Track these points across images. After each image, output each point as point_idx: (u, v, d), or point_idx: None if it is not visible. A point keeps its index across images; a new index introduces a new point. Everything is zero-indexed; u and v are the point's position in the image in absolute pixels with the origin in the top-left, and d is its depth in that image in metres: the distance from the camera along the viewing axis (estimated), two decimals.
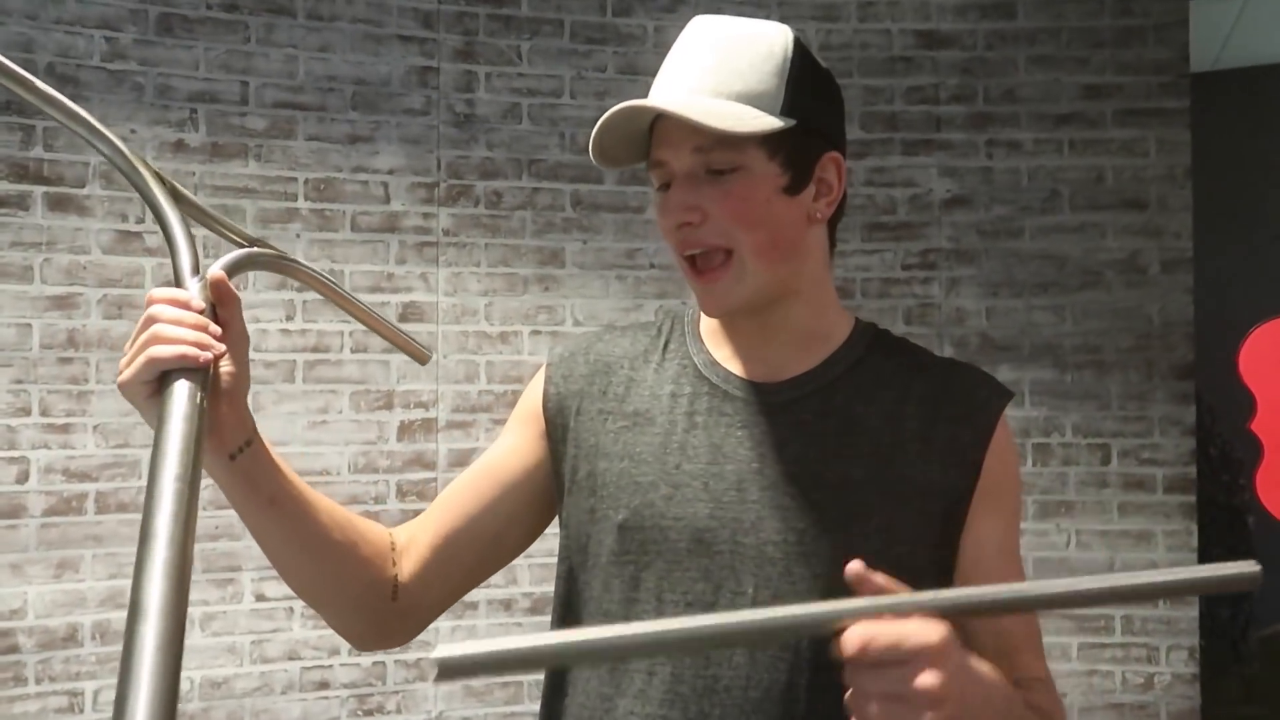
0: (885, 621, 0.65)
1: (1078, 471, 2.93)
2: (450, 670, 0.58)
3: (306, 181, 2.76)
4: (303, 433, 2.71)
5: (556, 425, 0.97)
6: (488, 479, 0.99)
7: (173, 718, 0.49)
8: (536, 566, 2.78)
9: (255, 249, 0.88)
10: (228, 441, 0.83)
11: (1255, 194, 4.01)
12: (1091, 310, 2.95)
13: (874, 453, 0.89)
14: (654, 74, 0.95)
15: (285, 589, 2.67)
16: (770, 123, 0.86)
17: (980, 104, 3.00)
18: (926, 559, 0.89)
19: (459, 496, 0.99)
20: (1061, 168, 2.98)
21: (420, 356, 1.05)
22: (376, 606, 0.94)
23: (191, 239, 0.80)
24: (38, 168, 2.54)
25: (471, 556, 0.98)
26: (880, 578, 0.69)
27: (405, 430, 2.79)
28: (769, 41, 0.88)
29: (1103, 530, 2.91)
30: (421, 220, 2.84)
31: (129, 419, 2.59)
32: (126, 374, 0.76)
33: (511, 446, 1.00)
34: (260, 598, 2.66)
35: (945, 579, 0.90)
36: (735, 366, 0.94)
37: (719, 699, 0.85)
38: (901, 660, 0.65)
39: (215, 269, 0.82)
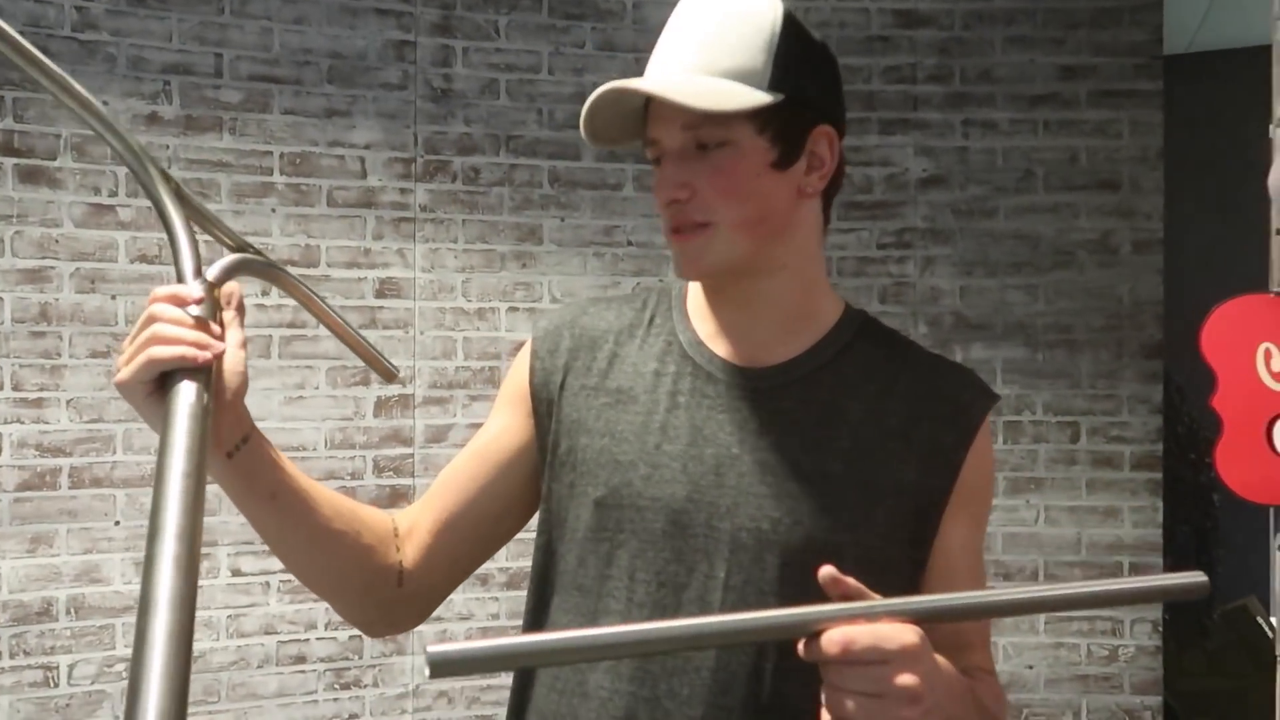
0: (862, 624, 0.68)
1: (1047, 449, 2.97)
2: (442, 667, 0.59)
3: (282, 156, 2.74)
4: (279, 408, 2.71)
5: (541, 400, 0.98)
6: (482, 461, 0.99)
7: (184, 707, 0.51)
8: (513, 542, 2.79)
9: (247, 255, 0.89)
10: (225, 439, 0.83)
11: (1227, 176, 4.06)
12: (1064, 290, 2.99)
13: (853, 447, 0.90)
14: (632, 50, 0.95)
15: (262, 564, 2.68)
16: (757, 98, 0.86)
17: (957, 84, 3.01)
18: (899, 556, 0.90)
19: (455, 480, 0.99)
20: (1036, 148, 3.00)
21: (388, 375, 1.07)
22: (383, 593, 0.95)
23: (195, 240, 0.81)
24: (8, 139, 2.51)
25: (472, 538, 0.99)
26: (851, 582, 0.71)
27: (382, 406, 2.80)
28: (758, 16, 0.88)
29: (1071, 506, 2.96)
30: (399, 196, 2.83)
31: (102, 394, 2.57)
32: (125, 373, 0.76)
33: (503, 426, 1.00)
34: (236, 572, 2.66)
35: (917, 575, 0.91)
36: (720, 347, 0.94)
37: (688, 678, 0.87)
38: (882, 660, 0.68)
39: (213, 272, 0.83)
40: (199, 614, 2.62)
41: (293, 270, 2.83)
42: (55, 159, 2.55)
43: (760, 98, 0.86)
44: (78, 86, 0.77)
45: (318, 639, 2.72)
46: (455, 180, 2.87)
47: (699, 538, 0.88)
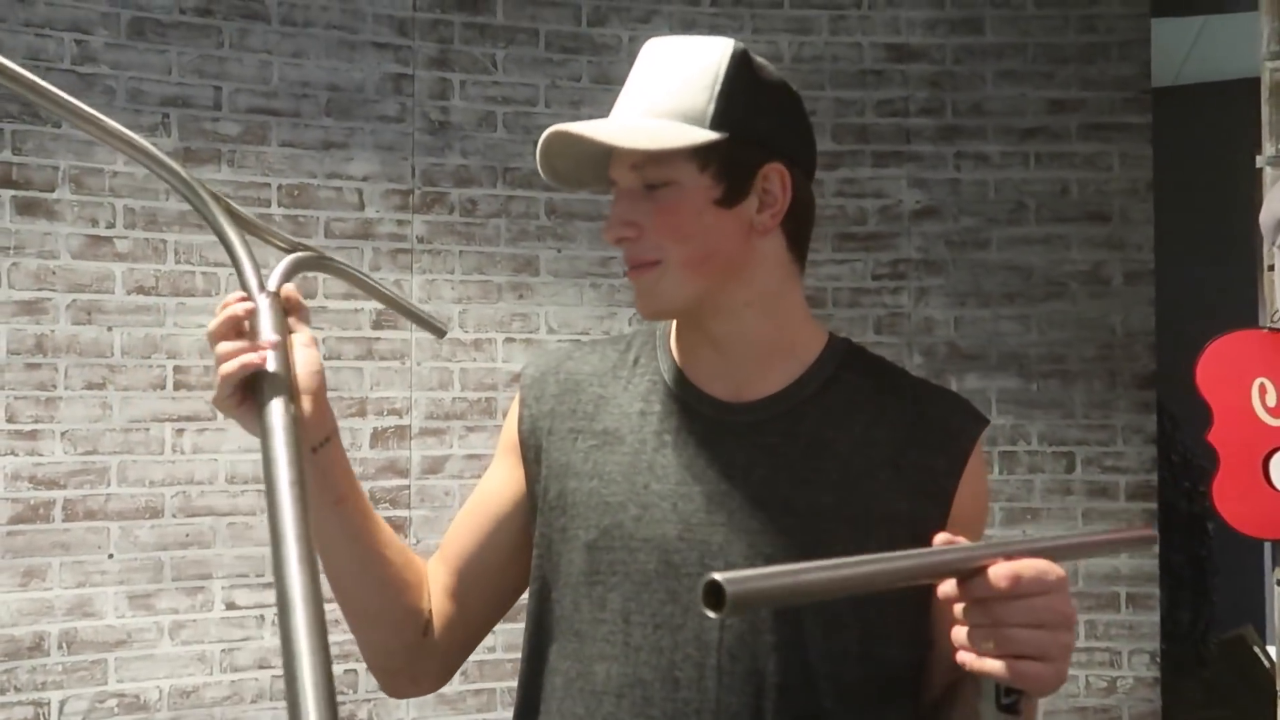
0: (1016, 560, 0.70)
1: (1043, 479, 2.98)
2: (741, 602, 0.58)
3: (280, 188, 2.75)
4: None
5: (530, 447, 0.98)
6: (481, 514, 1.00)
7: (333, 692, 0.57)
8: None
9: (299, 255, 0.92)
10: (310, 436, 0.86)
11: (1216, 207, 4.10)
12: (1056, 320, 3.01)
13: (842, 480, 0.89)
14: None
15: (256, 597, 2.66)
16: (693, 136, 0.86)
17: (949, 117, 3.05)
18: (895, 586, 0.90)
19: (458, 536, 1.01)
20: (1027, 180, 3.04)
21: (439, 332, 1.10)
22: (411, 636, 0.96)
23: (253, 256, 0.84)
24: (6, 171, 2.51)
25: (482, 593, 0.99)
26: (963, 539, 0.73)
27: (379, 437, 2.79)
28: (705, 57, 0.89)
29: None
30: (396, 227, 2.84)
31: (97, 426, 2.56)
32: (217, 392, 0.82)
33: (500, 479, 1.00)
34: (231, 606, 2.64)
35: (912, 606, 0.90)
36: (705, 383, 0.93)
37: None
38: (1045, 590, 0.69)
39: (273, 282, 0.86)
40: (192, 648, 2.60)
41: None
42: (53, 191, 2.55)
43: (697, 135, 0.86)
44: (117, 125, 0.79)
45: None
46: (452, 212, 2.89)
47: (692, 577, 0.87)
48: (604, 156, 0.91)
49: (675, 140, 0.86)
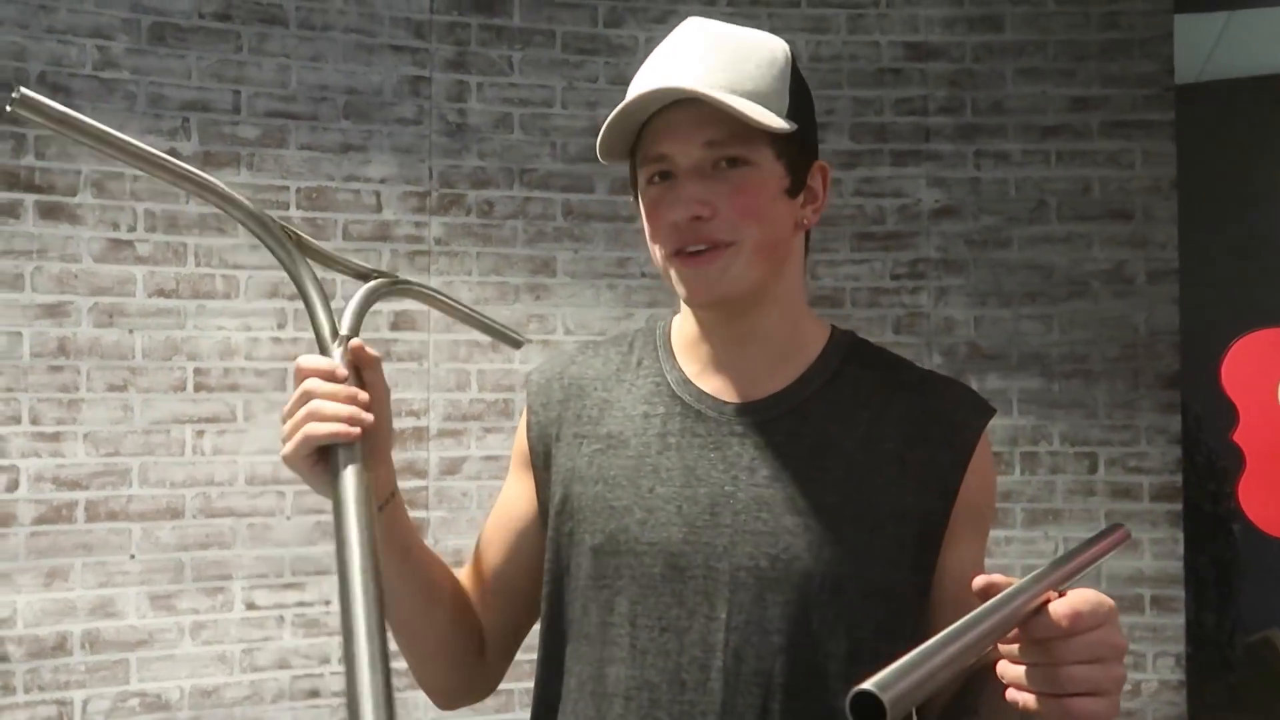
0: (1069, 595, 0.69)
1: (1065, 480, 2.95)
2: (899, 707, 0.56)
3: (298, 190, 2.77)
4: None
5: (538, 454, 0.98)
6: (504, 528, 1.01)
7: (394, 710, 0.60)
8: None
9: (373, 285, 0.91)
10: (378, 495, 0.87)
11: (1239, 205, 4.05)
12: (1078, 320, 2.98)
13: (848, 477, 0.88)
14: None
15: (276, 597, 2.67)
16: (783, 123, 0.86)
17: (968, 115, 3.02)
18: (902, 583, 0.89)
19: (485, 551, 1.02)
20: (1048, 179, 3.01)
21: (516, 344, 1.10)
22: (470, 656, 0.99)
23: (327, 303, 0.84)
24: (29, 175, 2.54)
25: (513, 603, 1.00)
26: (1001, 578, 0.71)
27: (397, 439, 2.80)
28: (771, 48, 0.89)
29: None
30: (413, 229, 2.85)
31: (119, 428, 2.58)
32: (288, 449, 0.81)
33: (517, 491, 1.01)
34: (251, 606, 2.66)
35: (922, 601, 0.90)
36: (708, 384, 0.93)
37: None
38: (1100, 622, 0.68)
39: (347, 323, 0.86)
40: (213, 648, 2.62)
41: None
42: (75, 195, 2.58)
43: (784, 123, 0.86)
44: (188, 167, 0.79)
45: (331, 673, 2.71)
46: (469, 213, 2.89)
47: (698, 579, 0.87)
48: (633, 133, 0.89)
49: (778, 122, 0.85)
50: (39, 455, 2.52)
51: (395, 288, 0.94)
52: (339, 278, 2.77)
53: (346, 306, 0.88)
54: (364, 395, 0.82)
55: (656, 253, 0.90)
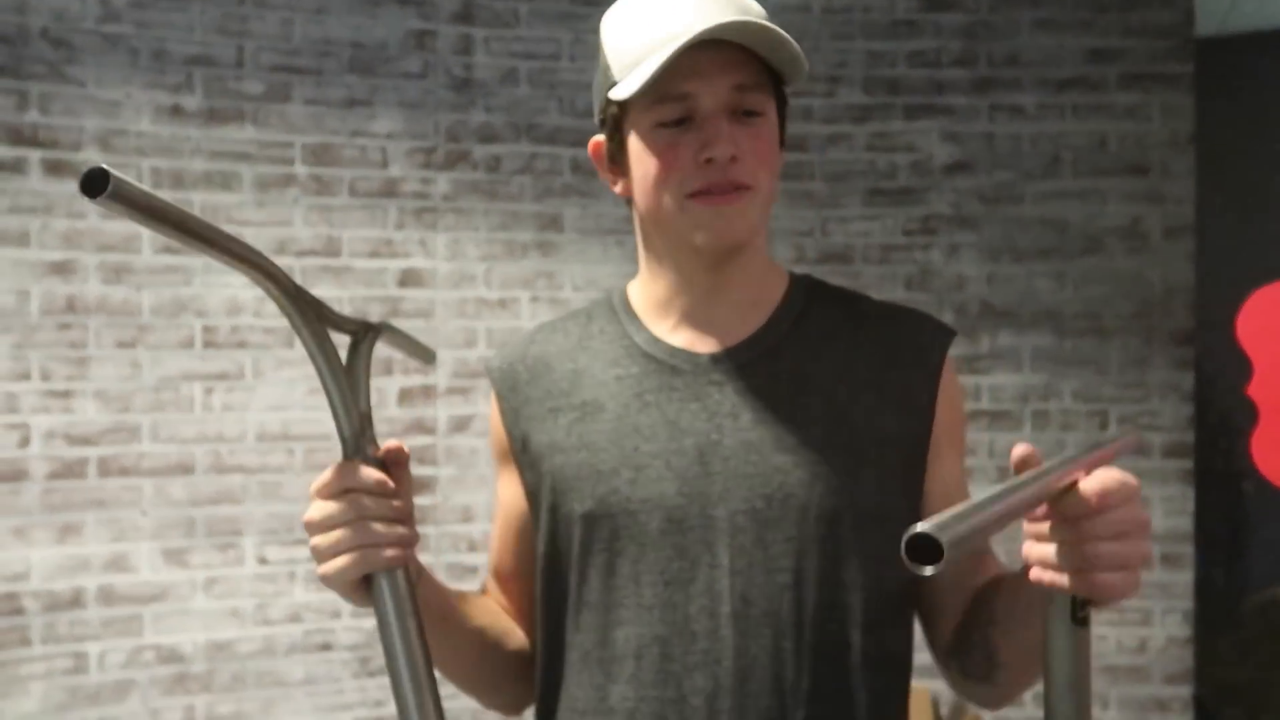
0: (1096, 474, 0.69)
1: (1076, 437, 2.94)
2: (955, 547, 0.57)
3: (304, 146, 2.74)
4: (303, 398, 2.72)
5: (515, 439, 0.97)
6: (508, 529, 1.02)
7: None
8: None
9: (362, 338, 0.87)
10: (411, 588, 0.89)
11: (1259, 160, 3.98)
12: (1092, 276, 2.94)
13: (829, 410, 0.90)
14: None
15: (288, 552, 2.70)
16: (802, 67, 0.88)
17: (983, 68, 2.97)
18: (895, 508, 0.90)
19: (498, 556, 1.04)
20: (1064, 133, 2.96)
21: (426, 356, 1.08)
22: (525, 671, 1.01)
23: (354, 405, 0.80)
24: (33, 132, 2.52)
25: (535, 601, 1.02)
26: (1034, 450, 0.71)
27: (405, 396, 2.80)
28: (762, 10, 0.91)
29: None
30: (420, 185, 2.83)
31: (129, 384, 2.59)
32: (333, 572, 0.77)
33: (509, 489, 1.01)
34: (262, 561, 2.68)
35: (914, 522, 0.92)
36: (678, 340, 0.93)
37: (709, 671, 0.86)
38: (1126, 499, 0.68)
39: (361, 397, 0.82)
40: (226, 603, 2.64)
41: (314, 261, 2.83)
42: (80, 151, 2.56)
43: (802, 67, 0.88)
44: (233, 244, 0.73)
45: (343, 627, 2.74)
46: (476, 169, 2.87)
47: (696, 530, 0.87)
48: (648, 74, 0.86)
49: (802, 77, 0.88)
50: (50, 412, 2.53)
51: (379, 335, 0.90)
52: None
53: (355, 379, 0.85)
54: (408, 506, 0.81)
55: (665, 196, 0.88)
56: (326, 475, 0.79)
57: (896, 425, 0.91)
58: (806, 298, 0.96)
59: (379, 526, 0.78)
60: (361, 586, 0.79)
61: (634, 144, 0.89)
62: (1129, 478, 0.69)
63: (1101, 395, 2.94)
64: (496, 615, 1.00)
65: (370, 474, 0.79)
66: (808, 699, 0.86)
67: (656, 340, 0.94)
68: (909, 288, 2.95)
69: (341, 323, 0.84)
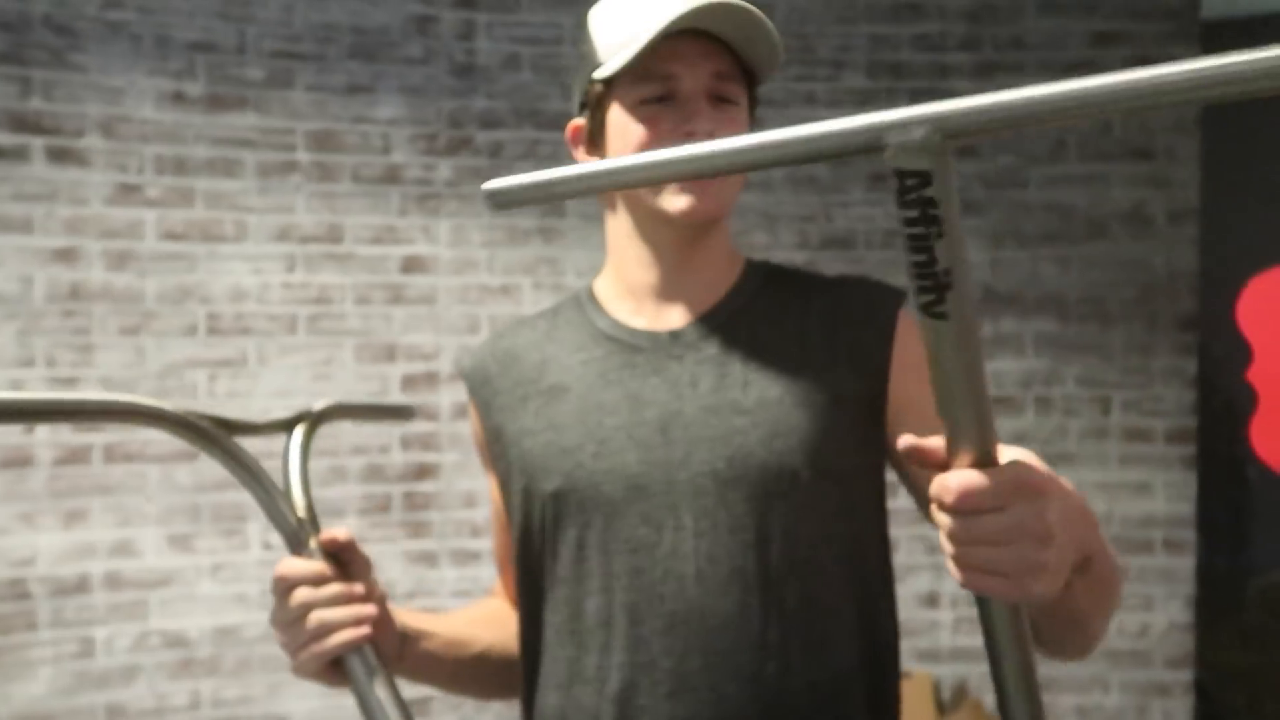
0: (986, 469, 0.60)
1: (1079, 423, 2.94)
2: (498, 199, 0.58)
3: (306, 133, 2.74)
4: (306, 385, 2.73)
5: (491, 430, 1.00)
6: (501, 523, 1.08)
7: None
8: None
9: (299, 433, 0.94)
10: (392, 654, 0.94)
11: (1264, 145, 3.96)
12: (1096, 261, 2.94)
13: (784, 372, 0.92)
14: None
15: None
16: (778, 59, 0.94)
17: (988, 52, 2.95)
18: (854, 463, 0.92)
19: (498, 550, 1.09)
20: None
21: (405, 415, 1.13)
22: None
23: (280, 492, 0.87)
24: (36, 119, 2.52)
25: None
26: (931, 444, 0.64)
27: (409, 382, 2.81)
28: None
29: (1103, 481, 2.93)
30: (423, 171, 2.83)
31: (133, 371, 2.60)
32: (301, 664, 0.86)
33: (496, 487, 1.05)
34: (267, 546, 2.70)
35: (876, 479, 0.94)
36: (639, 322, 0.97)
37: (679, 632, 0.88)
38: (1003, 504, 0.60)
39: (298, 493, 0.90)
40: (231, 588, 2.66)
41: (316, 248, 2.83)
42: (83, 138, 2.56)
43: (778, 59, 0.94)
44: (94, 399, 0.75)
45: None
46: (479, 155, 2.86)
47: (660, 495, 0.90)
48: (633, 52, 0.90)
49: (774, 59, 0.93)
50: None
51: (320, 423, 0.97)
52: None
53: (289, 474, 0.91)
54: (358, 588, 0.88)
55: None
56: (274, 575, 0.87)
57: (851, 384, 0.93)
58: (761, 278, 1.00)
59: (329, 614, 0.85)
60: (334, 670, 0.87)
61: (616, 118, 0.93)
62: (1017, 477, 0.59)
63: (1105, 381, 2.93)
64: (502, 624, 1.05)
65: (309, 567, 0.86)
66: (778, 652, 0.87)
67: (619, 324, 0.98)
68: None
69: (261, 428, 0.90)
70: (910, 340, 0.95)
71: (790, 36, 2.95)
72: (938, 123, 0.51)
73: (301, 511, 0.88)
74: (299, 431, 0.94)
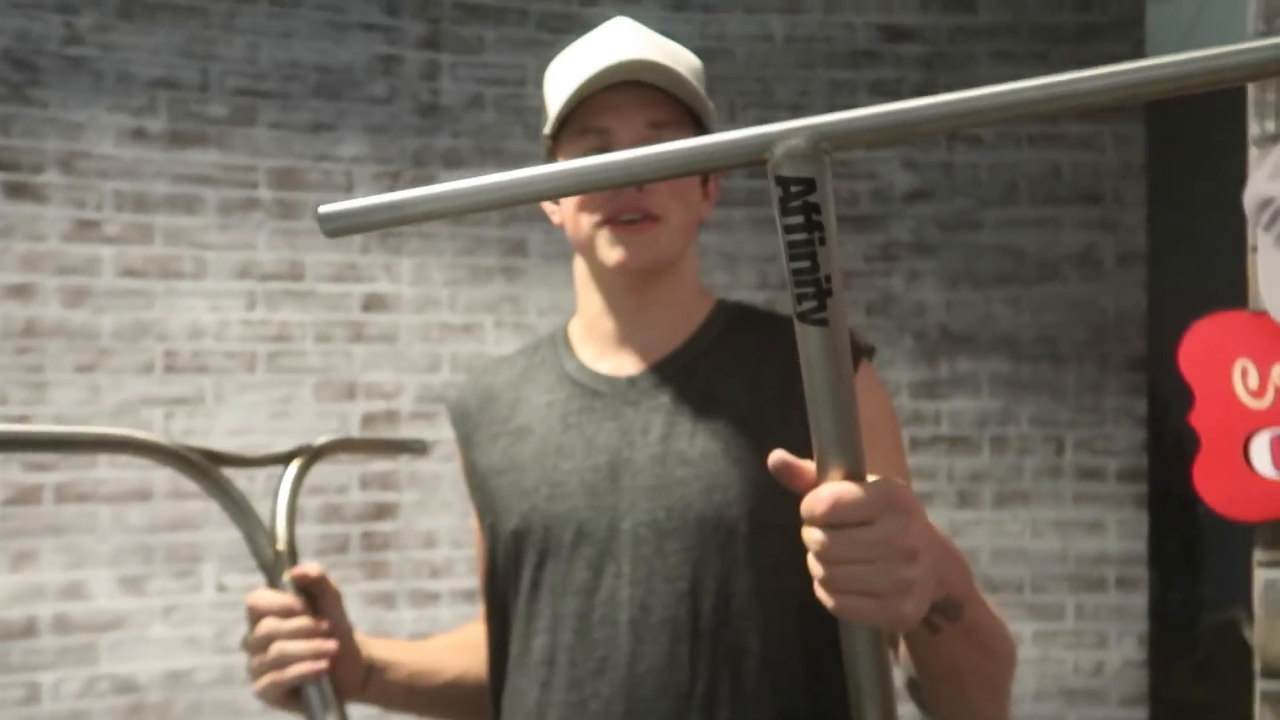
0: (856, 483, 0.61)
1: (1033, 461, 2.98)
2: (332, 222, 0.57)
3: (268, 170, 2.74)
4: (265, 423, 2.70)
5: (469, 464, 1.04)
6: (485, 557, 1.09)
7: None
8: (467, 561, 2.78)
9: (294, 467, 0.99)
10: (354, 685, 0.98)
11: (1207, 190, 4.08)
12: (1048, 303, 3.00)
13: (734, 422, 0.93)
14: None
15: (248, 579, 2.67)
16: (711, 111, 0.96)
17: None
18: (795, 516, 0.89)
19: (482, 583, 1.11)
20: (1020, 162, 3.02)
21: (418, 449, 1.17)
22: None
23: (260, 524, 0.92)
24: None
25: None
26: (802, 464, 0.65)
27: (369, 421, 2.79)
28: (691, 55, 0.98)
29: (1057, 519, 2.97)
30: None
31: (87, 409, 2.56)
32: (261, 690, 0.91)
33: (477, 516, 1.08)
34: (221, 588, 2.65)
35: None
36: (603, 366, 0.99)
37: (608, 677, 0.90)
38: (873, 517, 0.61)
39: (282, 525, 0.96)
40: (184, 631, 2.61)
41: (277, 285, 2.82)
42: (41, 174, 2.54)
43: (711, 112, 0.96)
44: (84, 432, 0.82)
45: None
46: None
47: (603, 541, 0.92)
48: (569, 108, 0.93)
49: (709, 114, 0.95)
50: None
51: (319, 458, 1.02)
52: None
53: (277, 507, 0.96)
54: (322, 623, 0.94)
55: (583, 221, 0.95)
56: (246, 603, 0.93)
57: (802, 436, 0.90)
58: (727, 321, 1.00)
59: (290, 646, 0.90)
60: (293, 698, 0.92)
61: None
62: (888, 492, 0.60)
63: (1058, 420, 2.99)
64: (476, 651, 1.07)
65: (276, 599, 0.92)
66: (703, 702, 0.88)
67: (583, 367, 0.99)
68: (870, 313, 3.00)
69: (254, 462, 0.95)
70: (866, 394, 0.95)
71: (750, 80, 3.00)
72: (818, 132, 0.54)
73: (282, 545, 0.93)
74: (294, 466, 0.99)
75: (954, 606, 0.74)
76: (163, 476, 2.62)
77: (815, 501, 0.61)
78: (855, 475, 0.61)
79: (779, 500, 0.90)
